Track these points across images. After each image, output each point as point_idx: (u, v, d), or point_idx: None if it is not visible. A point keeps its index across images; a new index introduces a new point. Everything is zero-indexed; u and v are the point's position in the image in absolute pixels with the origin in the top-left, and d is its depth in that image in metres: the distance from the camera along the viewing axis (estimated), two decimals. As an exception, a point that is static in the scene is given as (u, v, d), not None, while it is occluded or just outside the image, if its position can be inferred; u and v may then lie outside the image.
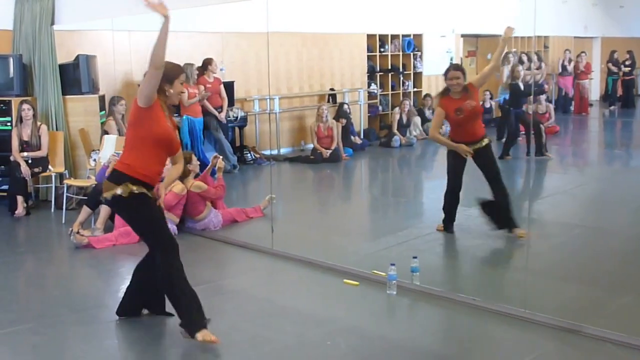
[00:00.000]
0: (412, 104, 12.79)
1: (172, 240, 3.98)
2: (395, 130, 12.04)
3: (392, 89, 13.61)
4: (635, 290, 4.80)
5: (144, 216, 3.95)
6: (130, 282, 4.29)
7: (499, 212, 5.92)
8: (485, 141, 6.02)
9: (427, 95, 13.58)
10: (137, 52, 9.35)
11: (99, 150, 7.75)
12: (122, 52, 9.07)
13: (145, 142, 3.85)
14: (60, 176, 7.92)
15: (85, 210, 6.70)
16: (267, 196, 6.94)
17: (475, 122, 5.99)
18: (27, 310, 4.71)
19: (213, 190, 6.67)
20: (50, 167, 7.79)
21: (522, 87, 10.33)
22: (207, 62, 9.51)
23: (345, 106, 11.59)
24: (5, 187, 7.70)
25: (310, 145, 11.00)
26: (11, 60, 7.92)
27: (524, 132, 10.59)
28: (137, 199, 3.85)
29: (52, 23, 8.12)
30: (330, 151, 10.58)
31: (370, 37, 12.86)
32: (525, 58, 13.35)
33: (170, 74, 3.89)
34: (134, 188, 3.82)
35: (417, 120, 12.60)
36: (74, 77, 8.25)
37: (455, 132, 6.04)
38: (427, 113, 13.26)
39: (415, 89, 13.93)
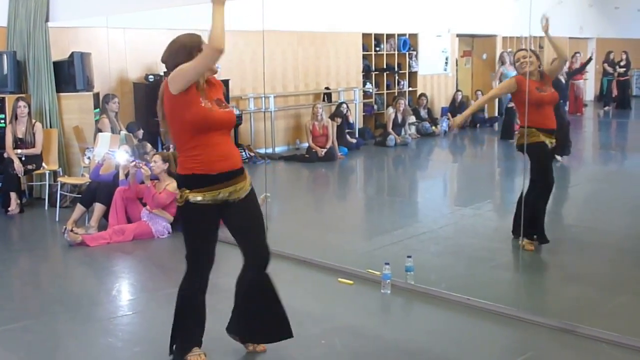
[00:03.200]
0: (407, 103, 12.80)
1: (202, 266, 3.56)
2: (390, 129, 12.04)
3: (388, 88, 13.61)
4: (630, 290, 4.81)
5: (188, 230, 3.54)
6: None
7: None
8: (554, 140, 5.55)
9: (423, 94, 13.59)
10: (131, 50, 9.34)
11: (93, 147, 7.73)
12: (117, 50, 9.05)
13: (185, 133, 3.39)
14: (54, 174, 7.89)
15: (79, 208, 6.68)
16: (261, 195, 6.92)
17: (551, 108, 5.50)
18: (21, 309, 4.69)
19: None
20: (43, 164, 7.76)
21: (563, 80, 10.13)
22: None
23: (344, 105, 11.59)
24: (-2, 184, 7.69)
25: (306, 144, 11.00)
26: (5, 57, 7.89)
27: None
28: (189, 210, 3.43)
29: (47, 20, 8.08)
30: (325, 150, 10.57)
31: (366, 36, 12.86)
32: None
33: (195, 43, 3.43)
34: (190, 196, 3.40)
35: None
36: (69, 74, 8.23)
37: (534, 115, 5.24)
38: (422, 112, 13.29)
39: (410, 89, 13.95)
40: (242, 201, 3.53)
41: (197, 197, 3.42)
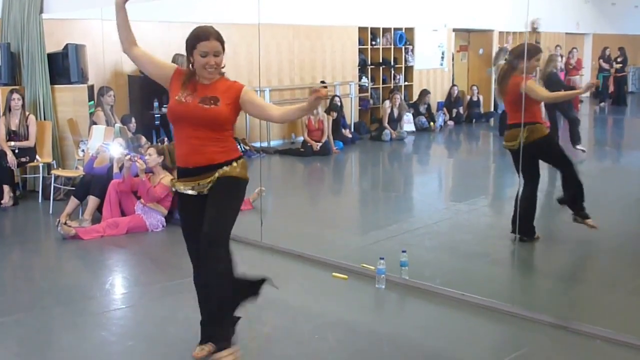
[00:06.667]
0: (403, 97, 12.78)
1: (194, 258, 3.59)
2: (385, 124, 12.03)
3: (384, 83, 13.59)
4: (624, 287, 4.81)
5: (180, 220, 3.72)
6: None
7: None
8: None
9: (425, 91, 13.42)
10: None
11: (87, 140, 7.69)
12: (112, 42, 8.87)
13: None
14: (48, 166, 7.86)
15: (73, 201, 6.65)
16: (256, 189, 6.90)
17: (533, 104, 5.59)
18: (13, 302, 4.66)
19: None
20: (37, 157, 7.73)
21: (559, 75, 10.07)
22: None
23: (337, 99, 11.57)
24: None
25: (301, 138, 10.98)
26: (-1, 48, 7.85)
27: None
28: (179, 199, 3.63)
29: (41, 11, 8.03)
30: (321, 144, 10.56)
31: (362, 30, 12.83)
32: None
33: (190, 38, 3.62)
34: (176, 185, 3.56)
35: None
36: (63, 66, 8.18)
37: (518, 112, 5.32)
38: (422, 108, 13.24)
39: (406, 83, 13.93)
40: (215, 188, 3.45)
41: (180, 187, 3.54)
